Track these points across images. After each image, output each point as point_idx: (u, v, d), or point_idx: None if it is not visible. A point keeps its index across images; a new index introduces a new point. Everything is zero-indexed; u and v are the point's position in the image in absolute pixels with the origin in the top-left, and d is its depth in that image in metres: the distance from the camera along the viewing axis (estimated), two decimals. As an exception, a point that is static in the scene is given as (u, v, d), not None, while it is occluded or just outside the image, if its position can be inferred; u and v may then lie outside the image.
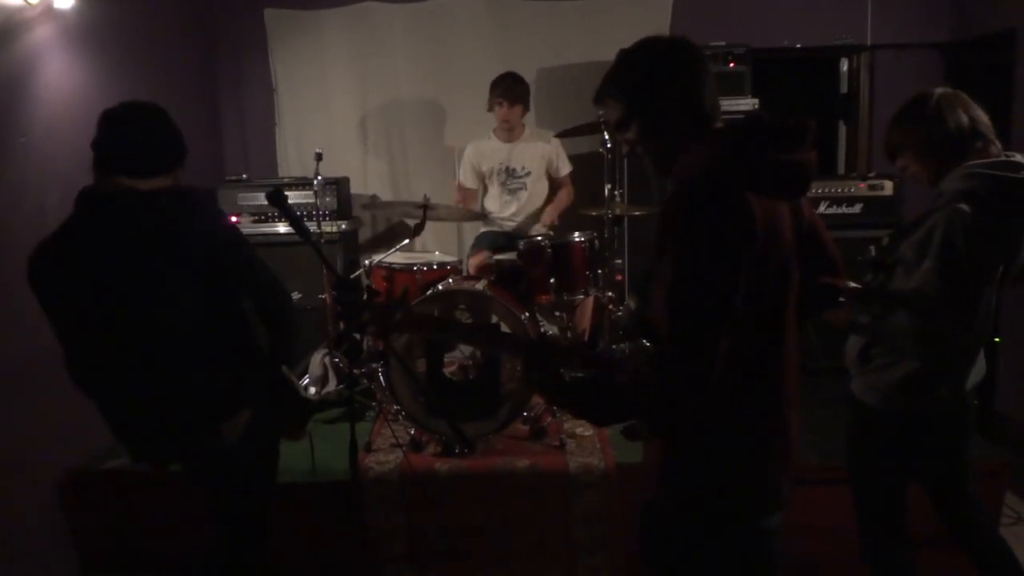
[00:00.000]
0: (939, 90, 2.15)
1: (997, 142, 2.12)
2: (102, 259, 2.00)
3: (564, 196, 4.43)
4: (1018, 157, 2.09)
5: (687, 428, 1.53)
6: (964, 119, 2.09)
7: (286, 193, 2.16)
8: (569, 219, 4.31)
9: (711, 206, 1.40)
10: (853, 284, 2.17)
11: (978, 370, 2.24)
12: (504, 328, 3.29)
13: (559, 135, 4.22)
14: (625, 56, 1.61)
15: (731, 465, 1.54)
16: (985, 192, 2.02)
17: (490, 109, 4.24)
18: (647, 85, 1.56)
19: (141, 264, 1.99)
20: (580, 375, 1.55)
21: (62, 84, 3.27)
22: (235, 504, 2.28)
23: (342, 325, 1.96)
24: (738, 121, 1.56)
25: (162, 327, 2.01)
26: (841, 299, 1.83)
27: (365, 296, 1.84)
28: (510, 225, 4.39)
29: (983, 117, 2.12)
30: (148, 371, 2.04)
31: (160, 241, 1.98)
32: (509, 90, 4.14)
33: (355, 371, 3.69)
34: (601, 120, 3.44)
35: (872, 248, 2.29)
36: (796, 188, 1.57)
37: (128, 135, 2.11)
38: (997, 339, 3.81)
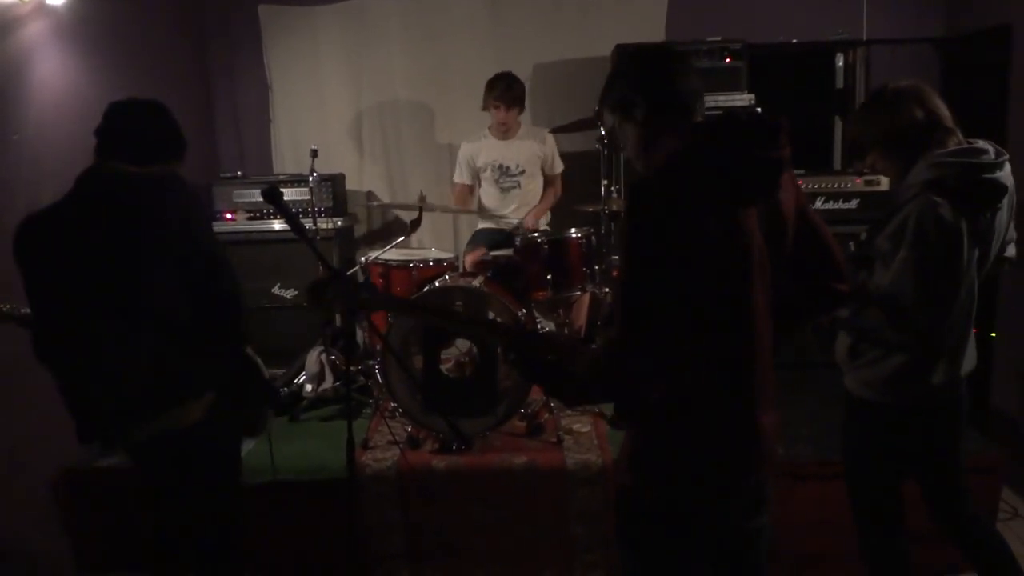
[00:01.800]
0: (894, 84, 2.17)
1: (958, 132, 2.13)
2: (81, 234, 2.05)
3: (551, 195, 4.43)
4: (981, 143, 2.11)
5: (650, 420, 1.55)
6: (919, 112, 2.10)
7: (281, 190, 2.15)
8: (565, 215, 4.30)
9: (660, 203, 1.42)
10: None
11: (969, 359, 2.25)
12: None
13: (554, 131, 4.21)
14: (611, 72, 1.71)
15: (690, 460, 1.54)
16: (952, 179, 2.04)
17: (485, 108, 4.23)
18: (625, 93, 1.63)
19: (117, 241, 2.03)
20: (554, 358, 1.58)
21: (55, 81, 3.25)
22: (195, 494, 2.27)
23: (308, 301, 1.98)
24: (712, 117, 1.60)
25: (132, 304, 2.05)
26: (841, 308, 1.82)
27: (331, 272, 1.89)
28: (504, 224, 4.38)
29: (941, 108, 2.13)
30: (115, 347, 2.07)
31: (137, 221, 2.04)
32: (506, 93, 4.12)
33: (352, 368, 3.68)
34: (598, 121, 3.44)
35: (851, 244, 2.29)
36: (766, 185, 1.54)
37: (129, 123, 2.18)
38: (993, 334, 3.83)
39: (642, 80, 1.63)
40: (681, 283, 1.40)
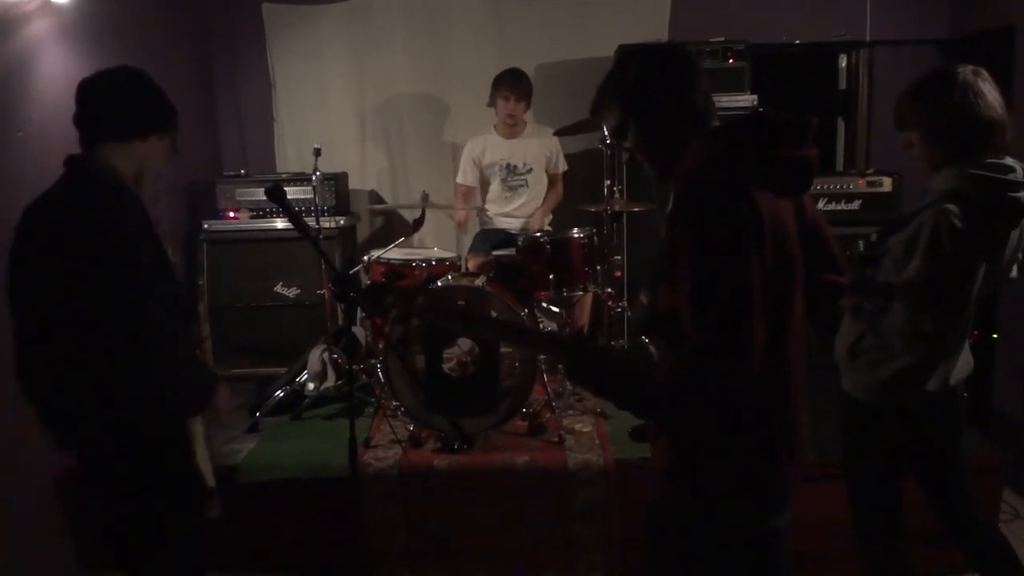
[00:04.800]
0: (962, 71, 2.06)
1: (1006, 135, 2.07)
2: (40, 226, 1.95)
3: (553, 196, 4.44)
4: (1009, 160, 2.07)
5: (699, 427, 1.52)
6: (984, 111, 2.02)
7: (284, 189, 2.15)
8: (568, 215, 4.31)
9: (719, 200, 1.40)
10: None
11: (965, 365, 2.25)
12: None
13: (557, 133, 4.22)
14: (616, 66, 1.66)
15: (742, 464, 1.53)
16: (976, 193, 2.01)
17: (491, 104, 4.23)
18: (639, 90, 1.60)
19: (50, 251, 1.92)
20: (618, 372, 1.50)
21: (58, 79, 3.25)
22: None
23: (365, 305, 1.84)
24: (739, 117, 1.58)
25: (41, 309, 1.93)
26: (841, 298, 1.82)
27: (387, 280, 1.79)
28: (509, 222, 4.38)
29: (1000, 105, 2.06)
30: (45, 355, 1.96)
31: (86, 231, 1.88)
32: (515, 84, 4.12)
33: (354, 367, 3.68)
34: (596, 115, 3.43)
35: (860, 243, 2.28)
36: (799, 184, 1.58)
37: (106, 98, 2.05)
38: (995, 335, 3.83)
39: (666, 79, 1.59)
40: (753, 274, 1.37)
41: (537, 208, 4.39)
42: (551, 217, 4.44)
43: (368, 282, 3.72)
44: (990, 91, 2.06)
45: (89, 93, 2.04)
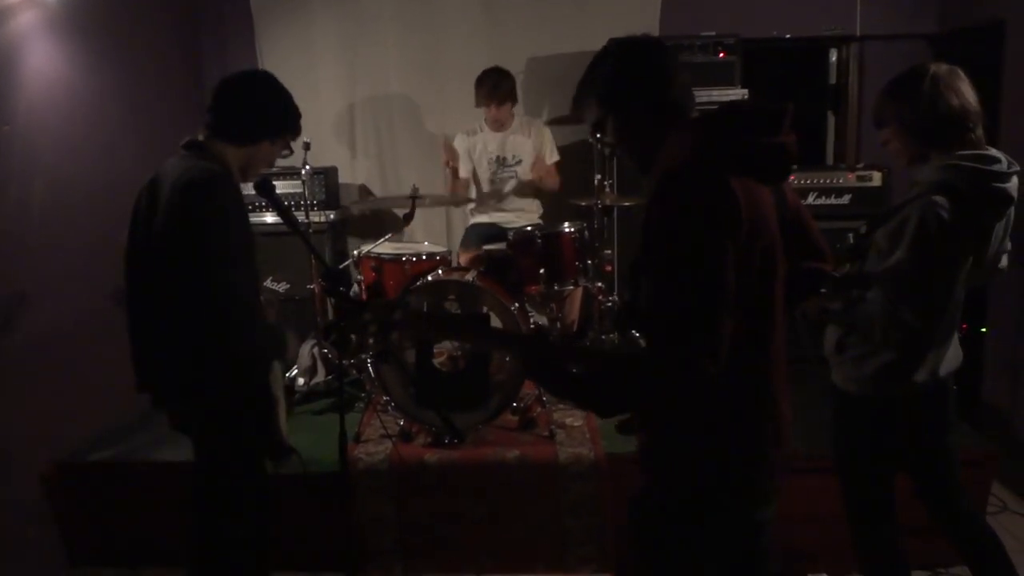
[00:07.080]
0: (935, 67, 2.10)
1: (980, 128, 2.11)
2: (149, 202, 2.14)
3: (550, 182, 4.40)
4: (993, 151, 2.09)
5: (677, 419, 1.52)
6: (955, 102, 2.06)
7: (274, 183, 2.15)
8: (559, 209, 4.30)
9: (695, 192, 1.40)
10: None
11: (955, 357, 2.26)
12: (494, 319, 3.29)
13: (549, 123, 4.20)
14: (594, 61, 1.67)
15: (722, 456, 1.53)
16: (962, 184, 2.02)
17: (478, 106, 4.22)
18: (616, 85, 1.61)
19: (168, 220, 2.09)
20: (579, 368, 1.52)
21: (45, 72, 3.23)
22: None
23: (342, 324, 2.01)
24: (715, 108, 1.58)
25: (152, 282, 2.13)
26: (824, 287, 1.83)
27: (365, 296, 1.83)
28: (501, 216, 4.38)
29: (974, 100, 2.09)
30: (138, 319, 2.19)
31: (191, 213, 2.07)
32: (494, 91, 4.11)
33: (344, 362, 3.67)
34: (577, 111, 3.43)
35: (851, 236, 2.29)
36: (778, 170, 1.57)
37: (230, 99, 2.22)
38: (983, 329, 3.85)
39: (642, 74, 1.59)
40: (726, 267, 1.37)
41: (525, 197, 4.37)
42: (541, 210, 4.42)
43: (356, 282, 3.71)
44: (961, 85, 2.09)
45: (220, 92, 2.22)
